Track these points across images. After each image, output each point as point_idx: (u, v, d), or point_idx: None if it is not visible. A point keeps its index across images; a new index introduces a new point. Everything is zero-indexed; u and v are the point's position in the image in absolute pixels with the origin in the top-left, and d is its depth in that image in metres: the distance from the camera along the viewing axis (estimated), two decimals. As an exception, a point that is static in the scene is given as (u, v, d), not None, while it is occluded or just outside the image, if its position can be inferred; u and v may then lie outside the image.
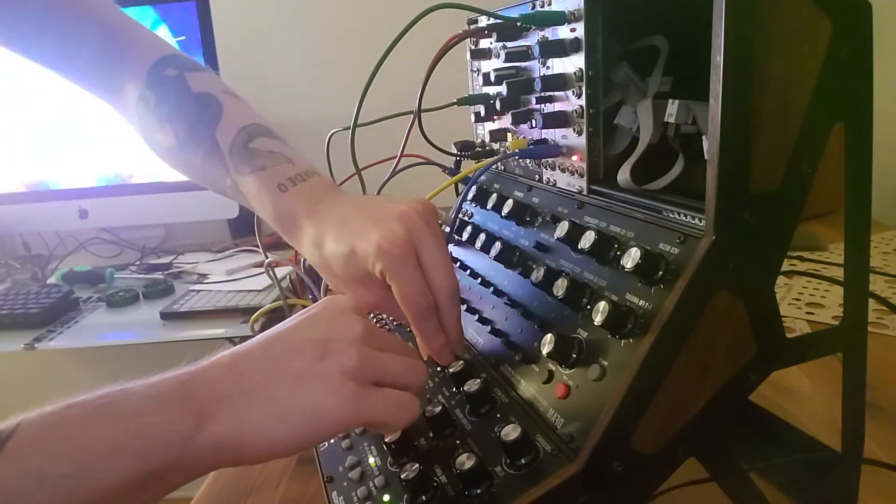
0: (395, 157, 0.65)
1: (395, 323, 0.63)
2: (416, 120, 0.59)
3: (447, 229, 0.64)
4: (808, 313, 0.85)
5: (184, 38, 1.39)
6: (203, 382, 0.36)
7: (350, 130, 0.63)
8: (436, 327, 0.47)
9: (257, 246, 0.74)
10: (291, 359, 0.37)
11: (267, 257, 0.76)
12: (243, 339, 1.29)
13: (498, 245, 0.54)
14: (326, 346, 0.38)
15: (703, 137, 0.40)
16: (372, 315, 0.63)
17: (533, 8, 0.53)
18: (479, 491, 0.37)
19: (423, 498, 0.39)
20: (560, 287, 0.43)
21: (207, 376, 0.36)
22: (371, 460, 0.46)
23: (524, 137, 0.59)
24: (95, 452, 0.31)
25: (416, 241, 0.45)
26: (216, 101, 0.51)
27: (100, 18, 0.56)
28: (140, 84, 0.52)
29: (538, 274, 0.45)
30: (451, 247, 0.64)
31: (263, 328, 0.82)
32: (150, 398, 0.34)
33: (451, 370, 0.47)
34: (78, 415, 0.32)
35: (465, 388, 0.44)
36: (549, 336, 0.41)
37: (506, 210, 0.56)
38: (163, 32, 1.40)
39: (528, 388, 0.43)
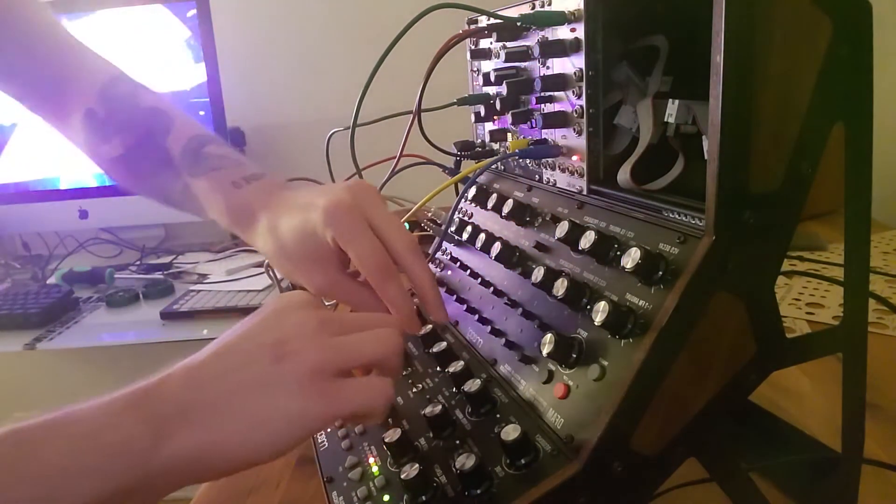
0: (395, 157, 0.65)
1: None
2: (416, 120, 0.60)
3: (445, 227, 0.64)
4: (808, 313, 0.85)
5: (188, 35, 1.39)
6: (161, 397, 0.34)
7: (350, 130, 0.63)
8: (401, 288, 0.46)
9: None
10: (248, 367, 0.36)
11: (267, 257, 0.76)
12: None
13: (498, 245, 0.54)
14: (282, 348, 0.36)
15: (703, 137, 0.40)
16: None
17: (533, 8, 0.53)
18: (479, 491, 0.37)
19: (423, 498, 0.39)
20: (560, 287, 0.43)
21: (165, 390, 0.35)
22: (371, 460, 0.46)
23: (524, 137, 0.59)
24: (61, 474, 0.30)
25: (363, 206, 0.45)
26: (166, 114, 0.54)
27: (49, 39, 0.58)
28: (89, 100, 0.55)
29: (538, 274, 0.45)
30: (451, 247, 0.65)
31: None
32: (109, 415, 0.33)
33: (451, 370, 0.47)
34: (40, 436, 0.31)
35: (465, 388, 0.44)
36: (549, 336, 0.41)
37: (506, 210, 0.56)
38: (163, 32, 1.40)
39: (528, 388, 0.43)
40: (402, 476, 0.39)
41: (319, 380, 0.36)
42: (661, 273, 0.37)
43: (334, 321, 0.40)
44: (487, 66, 0.64)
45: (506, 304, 0.51)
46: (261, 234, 0.50)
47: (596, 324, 0.38)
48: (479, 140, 0.69)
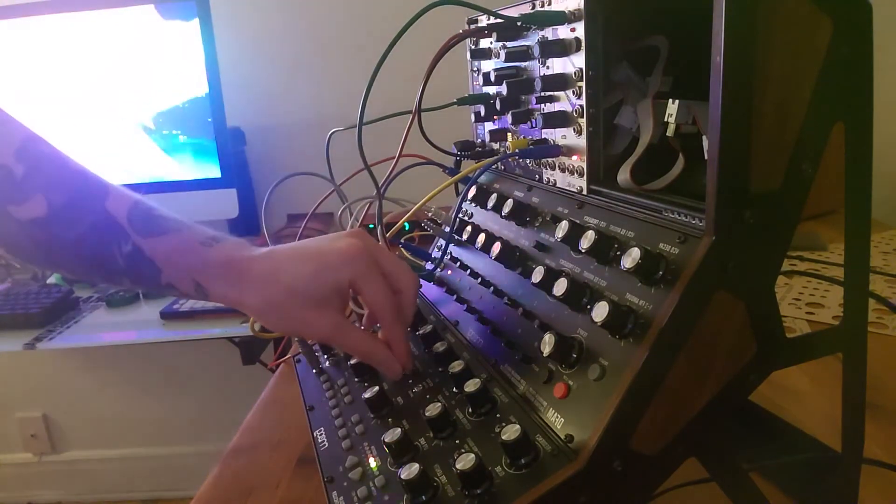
0: (395, 157, 0.65)
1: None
2: (416, 119, 0.59)
3: (447, 229, 0.64)
4: (808, 313, 0.85)
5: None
6: None
7: (353, 129, 0.63)
8: (406, 332, 0.52)
9: (256, 246, 0.74)
10: None
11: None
12: (243, 339, 1.29)
13: (498, 245, 0.54)
14: None
15: (703, 137, 0.40)
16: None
17: (533, 8, 0.53)
18: (479, 491, 0.37)
19: (423, 498, 0.39)
20: (560, 287, 0.43)
21: None
22: (371, 460, 0.46)
23: (524, 137, 0.59)
24: None
25: (373, 251, 0.50)
26: (98, 179, 0.50)
27: None
28: (3, 156, 0.48)
29: (538, 274, 0.45)
30: (451, 247, 0.65)
31: (263, 328, 0.81)
32: None
33: (451, 370, 0.47)
34: None
35: (465, 388, 0.44)
36: (549, 336, 0.41)
37: (506, 210, 0.56)
38: (162, 31, 1.40)
39: (528, 388, 0.43)
40: (402, 476, 0.39)
41: None
42: (661, 273, 0.37)
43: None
44: (487, 65, 0.64)
45: (506, 304, 0.51)
46: (253, 283, 0.49)
47: (596, 324, 0.38)
48: (479, 140, 0.69)
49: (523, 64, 0.57)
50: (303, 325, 0.50)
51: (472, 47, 0.65)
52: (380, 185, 0.65)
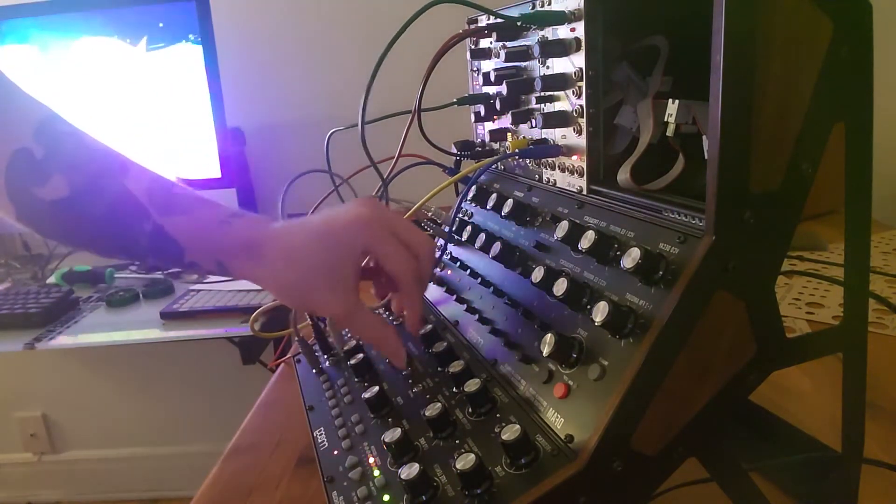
0: (395, 157, 0.65)
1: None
2: (416, 119, 0.59)
3: (447, 229, 0.64)
4: (808, 313, 0.85)
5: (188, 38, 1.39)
6: None
7: (353, 130, 0.63)
8: (423, 294, 0.52)
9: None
10: None
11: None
12: (243, 338, 1.29)
13: (498, 245, 0.54)
14: None
15: (703, 137, 0.40)
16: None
17: (533, 8, 0.53)
18: (479, 491, 0.37)
19: (423, 498, 0.39)
20: (560, 287, 0.43)
21: None
22: (371, 460, 0.46)
23: (524, 137, 0.59)
24: None
25: (384, 218, 0.49)
26: (118, 156, 0.49)
27: None
28: (23, 137, 0.47)
29: (538, 274, 0.45)
30: (451, 247, 0.65)
31: (263, 327, 0.81)
32: None
33: (451, 370, 0.47)
34: None
35: (465, 388, 0.44)
36: (549, 336, 0.41)
37: (506, 210, 0.56)
38: (163, 30, 1.40)
39: (528, 388, 0.43)
40: (402, 476, 0.39)
41: None
42: (661, 273, 0.37)
43: None
44: (487, 65, 0.64)
45: (506, 304, 0.51)
46: (270, 263, 0.48)
47: (596, 324, 0.38)
48: (479, 140, 0.69)
49: (523, 64, 0.57)
50: (317, 305, 0.50)
51: (472, 47, 0.65)
52: (383, 180, 0.65)
